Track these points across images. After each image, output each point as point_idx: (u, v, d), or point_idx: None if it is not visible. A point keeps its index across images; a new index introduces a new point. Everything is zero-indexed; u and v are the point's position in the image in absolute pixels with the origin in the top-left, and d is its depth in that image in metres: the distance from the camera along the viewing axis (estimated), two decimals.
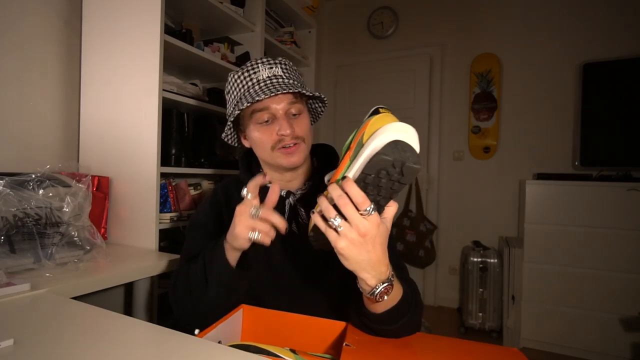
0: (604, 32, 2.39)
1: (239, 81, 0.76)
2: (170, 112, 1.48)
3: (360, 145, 0.51)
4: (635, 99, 2.19)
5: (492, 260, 2.39)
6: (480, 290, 2.39)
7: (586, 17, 2.44)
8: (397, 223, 2.80)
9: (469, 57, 2.78)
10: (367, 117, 0.55)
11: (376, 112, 0.55)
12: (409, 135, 0.48)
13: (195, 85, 1.60)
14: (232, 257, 0.68)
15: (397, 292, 0.59)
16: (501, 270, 2.34)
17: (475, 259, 2.43)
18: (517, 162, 2.64)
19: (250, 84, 0.75)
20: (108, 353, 0.48)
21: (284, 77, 0.75)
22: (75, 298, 0.74)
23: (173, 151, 1.48)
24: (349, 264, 0.52)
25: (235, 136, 0.86)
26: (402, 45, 3.02)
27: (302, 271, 0.78)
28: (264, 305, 0.76)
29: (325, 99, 0.81)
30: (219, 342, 0.60)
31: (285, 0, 2.10)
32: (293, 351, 0.62)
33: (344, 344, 0.58)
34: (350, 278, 0.63)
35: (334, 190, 0.50)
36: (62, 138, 1.41)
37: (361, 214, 0.49)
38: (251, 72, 0.75)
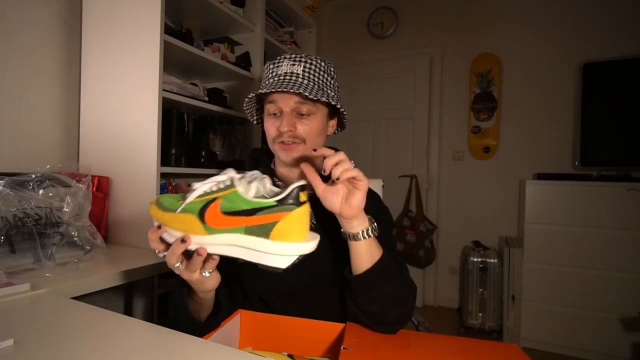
0: (603, 32, 2.39)
1: (266, 70, 0.80)
2: (170, 112, 1.48)
3: (264, 233, 0.49)
4: (635, 99, 2.19)
5: (492, 260, 2.39)
6: (480, 290, 2.39)
7: (586, 17, 2.44)
8: (397, 223, 2.81)
9: (469, 57, 2.78)
10: (285, 196, 0.50)
11: (297, 198, 0.50)
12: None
13: (195, 85, 1.60)
14: (197, 307, 0.67)
15: (379, 248, 0.65)
16: (501, 270, 2.34)
17: (475, 259, 2.43)
18: (517, 162, 2.64)
19: (270, 75, 0.78)
20: (108, 353, 0.48)
21: (301, 76, 0.75)
22: (75, 298, 0.74)
23: (173, 151, 1.48)
24: (359, 205, 0.61)
25: (257, 116, 0.90)
26: (402, 45, 3.02)
27: (310, 270, 0.78)
28: (270, 307, 0.75)
29: (336, 105, 0.77)
30: None
31: (285, 0, 2.10)
32: (290, 356, 0.61)
33: (342, 348, 0.58)
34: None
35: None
36: (62, 138, 1.41)
37: None
38: (276, 64, 0.78)
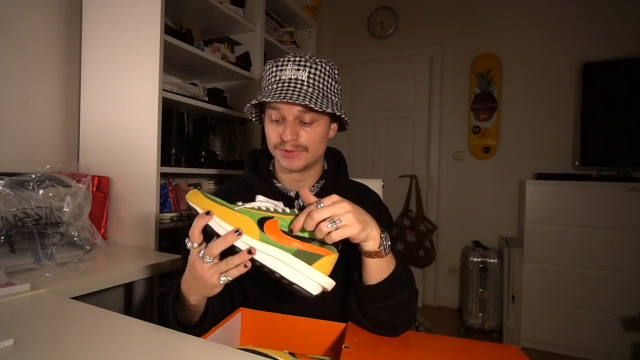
0: (604, 32, 2.39)
1: (268, 72, 0.77)
2: (170, 112, 1.48)
3: (309, 260, 0.55)
4: (635, 99, 2.19)
5: (492, 260, 2.39)
6: (480, 290, 2.39)
7: (586, 17, 2.44)
8: (397, 223, 2.81)
9: (469, 57, 2.78)
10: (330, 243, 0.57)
11: (338, 245, 0.58)
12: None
13: (195, 85, 1.60)
14: (190, 314, 0.66)
15: (392, 260, 0.63)
16: (501, 270, 2.34)
17: (475, 259, 2.43)
18: (517, 162, 2.64)
19: (273, 79, 0.75)
20: (108, 353, 0.48)
21: (306, 83, 0.73)
22: (75, 298, 0.74)
23: (173, 151, 1.48)
24: (362, 227, 0.56)
25: (258, 116, 0.88)
26: (402, 45, 3.02)
27: None
28: (270, 309, 0.75)
29: (342, 115, 0.77)
30: None
31: (285, 0, 2.10)
32: (292, 354, 0.61)
33: (343, 346, 0.58)
34: (354, 270, 0.66)
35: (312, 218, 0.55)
36: (62, 138, 1.41)
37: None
38: (279, 67, 0.75)
